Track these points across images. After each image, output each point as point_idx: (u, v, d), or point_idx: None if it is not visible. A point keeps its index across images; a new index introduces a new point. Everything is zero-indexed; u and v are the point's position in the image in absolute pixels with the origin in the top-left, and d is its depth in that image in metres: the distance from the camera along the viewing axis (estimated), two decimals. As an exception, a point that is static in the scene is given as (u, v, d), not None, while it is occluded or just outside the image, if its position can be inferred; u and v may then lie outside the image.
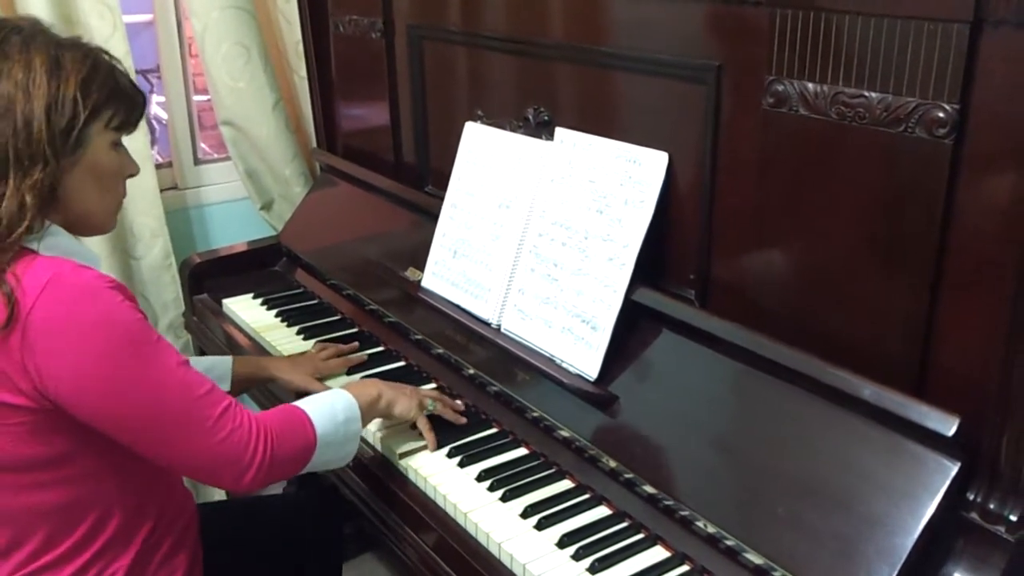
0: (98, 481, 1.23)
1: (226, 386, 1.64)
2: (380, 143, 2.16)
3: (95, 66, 1.20)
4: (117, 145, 1.25)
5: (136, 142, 2.23)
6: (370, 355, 1.81)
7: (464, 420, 1.55)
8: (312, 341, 1.87)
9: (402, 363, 1.78)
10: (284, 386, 1.69)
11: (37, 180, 1.14)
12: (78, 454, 1.20)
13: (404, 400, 1.48)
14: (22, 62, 1.15)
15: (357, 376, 1.69)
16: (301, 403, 1.35)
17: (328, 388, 1.63)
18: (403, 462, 1.47)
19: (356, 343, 1.83)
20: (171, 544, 1.34)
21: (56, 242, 1.20)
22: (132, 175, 1.31)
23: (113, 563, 1.27)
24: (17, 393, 1.13)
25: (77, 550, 1.24)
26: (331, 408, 1.36)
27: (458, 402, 1.60)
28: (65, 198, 1.20)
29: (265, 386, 1.75)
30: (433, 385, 1.68)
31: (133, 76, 2.17)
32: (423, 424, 1.50)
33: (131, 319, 1.16)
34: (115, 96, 1.22)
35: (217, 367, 1.65)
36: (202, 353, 2.16)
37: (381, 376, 1.71)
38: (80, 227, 1.28)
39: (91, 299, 1.14)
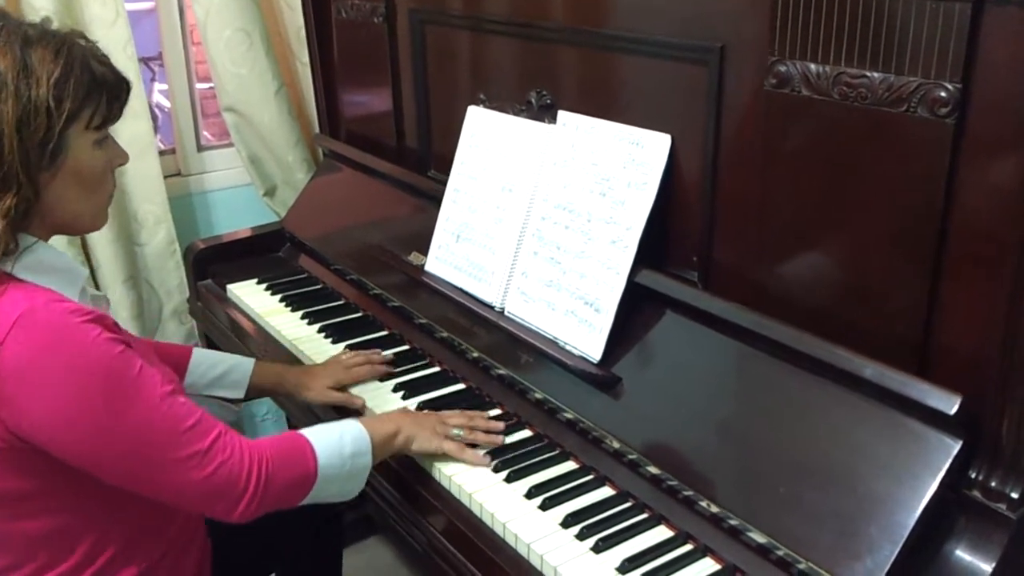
0: (87, 509, 1.20)
1: (240, 392, 1.61)
2: (383, 128, 2.16)
3: (68, 62, 1.09)
4: (101, 141, 1.17)
5: (139, 128, 2.26)
6: (374, 340, 1.82)
7: (500, 441, 1.44)
8: (316, 326, 1.88)
9: (406, 347, 1.79)
10: (300, 402, 1.64)
11: (10, 206, 1.06)
12: (58, 486, 1.16)
13: (425, 435, 1.39)
14: None
15: (390, 383, 1.64)
16: (307, 431, 1.29)
17: (353, 397, 1.60)
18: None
19: (381, 350, 1.72)
20: (182, 546, 1.33)
21: (33, 260, 1.12)
22: (121, 165, 1.23)
23: (121, 572, 1.25)
24: None
25: (78, 569, 1.21)
26: (339, 440, 1.29)
27: (492, 416, 1.49)
28: (47, 209, 1.12)
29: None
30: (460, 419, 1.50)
31: (135, 65, 2.21)
32: (452, 449, 1.40)
33: (108, 356, 1.10)
34: (93, 92, 1.12)
35: (236, 371, 1.60)
36: (208, 340, 2.17)
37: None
38: (68, 230, 1.23)
39: (64, 338, 1.07)
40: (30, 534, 1.19)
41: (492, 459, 1.41)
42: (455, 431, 1.42)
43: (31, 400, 1.07)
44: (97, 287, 2.27)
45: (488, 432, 1.45)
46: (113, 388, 1.10)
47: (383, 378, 1.66)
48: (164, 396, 1.14)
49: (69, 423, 1.09)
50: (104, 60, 1.17)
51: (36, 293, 1.10)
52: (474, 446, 1.42)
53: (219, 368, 1.60)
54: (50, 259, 1.16)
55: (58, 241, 1.24)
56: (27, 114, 1.06)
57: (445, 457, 1.42)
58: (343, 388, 1.62)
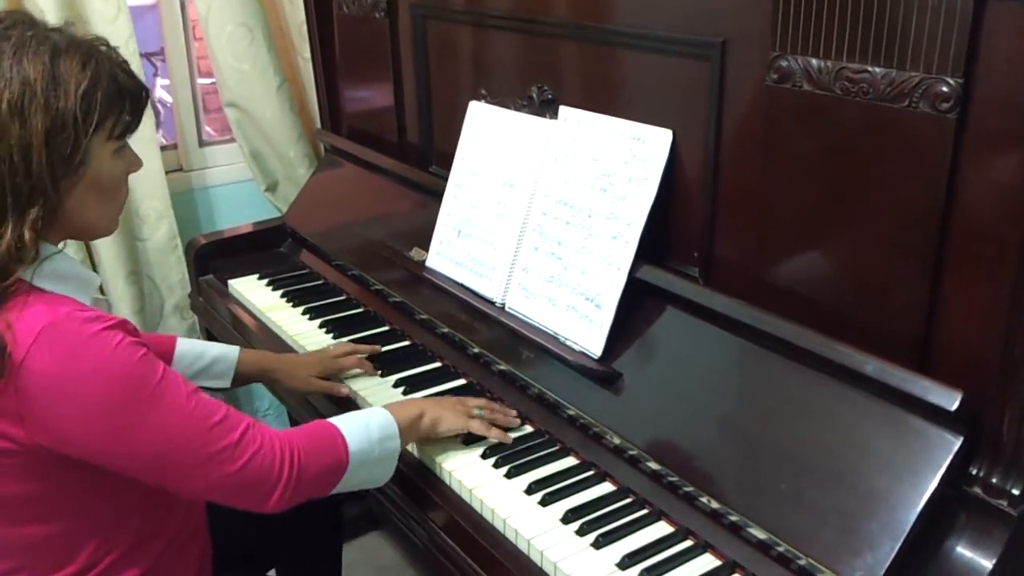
0: (92, 513, 1.20)
1: (226, 383, 1.62)
2: (384, 123, 2.16)
3: (96, 73, 1.09)
4: (121, 149, 1.17)
5: (141, 125, 2.24)
6: (375, 335, 1.82)
7: (510, 439, 1.44)
8: (317, 321, 1.88)
9: (407, 343, 1.78)
10: (286, 388, 1.67)
11: (37, 217, 1.06)
12: (68, 489, 1.16)
13: (449, 417, 1.42)
14: (16, 79, 1.04)
15: (391, 379, 1.65)
16: (334, 419, 1.30)
17: (337, 385, 1.62)
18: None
19: (377, 347, 1.74)
20: (181, 544, 1.33)
21: (51, 269, 1.12)
22: (135, 171, 1.23)
23: (123, 574, 1.24)
24: (3, 438, 1.09)
25: (80, 573, 1.21)
26: (366, 425, 1.30)
27: (511, 411, 1.50)
28: (66, 217, 1.12)
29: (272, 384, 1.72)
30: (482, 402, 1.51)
31: (137, 60, 2.20)
32: (479, 428, 1.43)
33: (132, 362, 1.10)
34: (117, 102, 1.12)
35: (221, 361, 1.61)
36: (209, 334, 2.17)
37: (388, 356, 1.72)
38: (82, 236, 1.23)
39: (87, 349, 1.07)
40: (33, 539, 1.18)
41: (494, 455, 1.41)
42: (476, 411, 1.44)
43: (59, 413, 1.07)
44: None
45: (505, 416, 1.48)
46: (139, 393, 1.10)
47: (384, 373, 1.66)
48: (189, 395, 1.14)
49: (100, 432, 1.09)
50: (126, 68, 1.17)
51: (56, 305, 1.09)
52: None
53: (204, 359, 1.60)
54: (66, 268, 1.16)
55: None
56: (56, 126, 1.06)
57: (446, 453, 1.42)
58: (329, 378, 1.64)
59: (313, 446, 1.23)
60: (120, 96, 1.13)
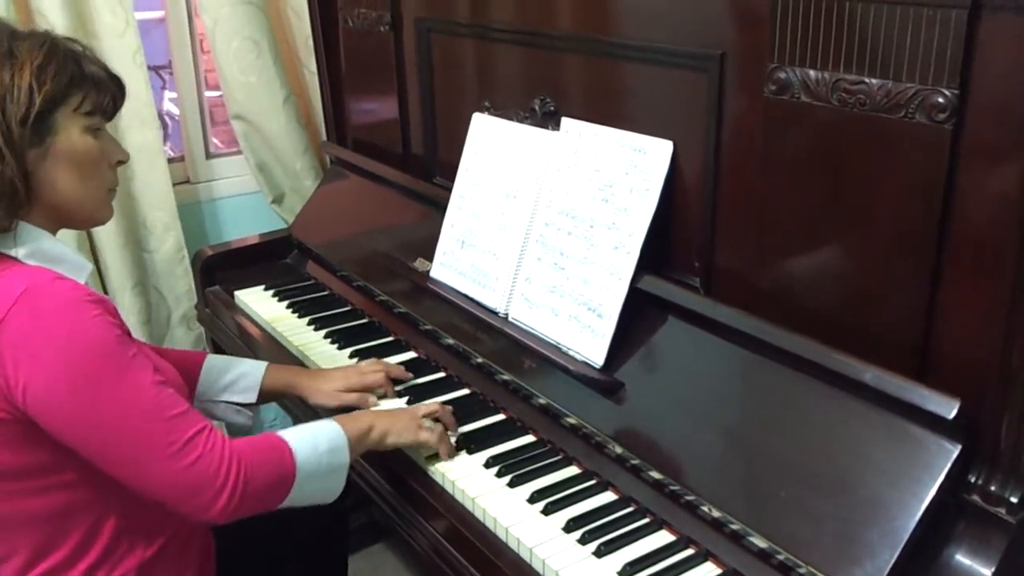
0: (87, 488, 1.20)
1: (251, 397, 1.60)
2: (389, 136, 2.18)
3: (51, 52, 1.16)
4: (96, 131, 1.21)
5: (148, 136, 2.28)
6: (380, 346, 1.83)
7: (453, 448, 1.46)
8: (323, 332, 1.89)
9: (412, 353, 1.80)
10: (313, 404, 1.64)
11: None
12: (61, 463, 1.17)
13: (398, 427, 1.42)
14: None
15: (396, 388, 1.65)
16: (282, 432, 1.30)
17: (365, 398, 1.61)
18: (413, 450, 1.48)
19: (409, 374, 1.69)
20: (181, 541, 1.33)
21: (39, 249, 1.17)
22: (121, 162, 1.27)
23: (118, 566, 1.25)
24: None
25: (73, 558, 1.22)
26: (313, 438, 1.31)
27: (495, 420, 1.54)
28: (41, 190, 1.17)
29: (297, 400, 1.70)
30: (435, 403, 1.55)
31: (144, 73, 2.23)
32: (430, 439, 1.43)
33: (105, 334, 1.13)
34: (79, 82, 1.18)
35: (248, 376, 1.60)
36: (215, 346, 2.18)
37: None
38: (70, 220, 1.25)
39: (65, 312, 1.11)
40: (25, 516, 1.19)
41: (497, 464, 1.42)
42: (427, 422, 1.44)
43: (28, 369, 1.10)
44: (106, 292, 2.29)
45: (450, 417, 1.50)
46: (107, 366, 1.13)
47: (388, 383, 1.67)
48: (155, 383, 1.17)
49: (59, 393, 1.11)
50: (96, 61, 1.23)
51: (41, 272, 1.14)
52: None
53: (231, 373, 1.60)
54: (57, 250, 1.20)
55: (68, 243, 1.26)
56: (9, 93, 1.12)
57: (449, 462, 1.43)
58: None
59: (259, 458, 1.23)
60: (84, 78, 1.18)
